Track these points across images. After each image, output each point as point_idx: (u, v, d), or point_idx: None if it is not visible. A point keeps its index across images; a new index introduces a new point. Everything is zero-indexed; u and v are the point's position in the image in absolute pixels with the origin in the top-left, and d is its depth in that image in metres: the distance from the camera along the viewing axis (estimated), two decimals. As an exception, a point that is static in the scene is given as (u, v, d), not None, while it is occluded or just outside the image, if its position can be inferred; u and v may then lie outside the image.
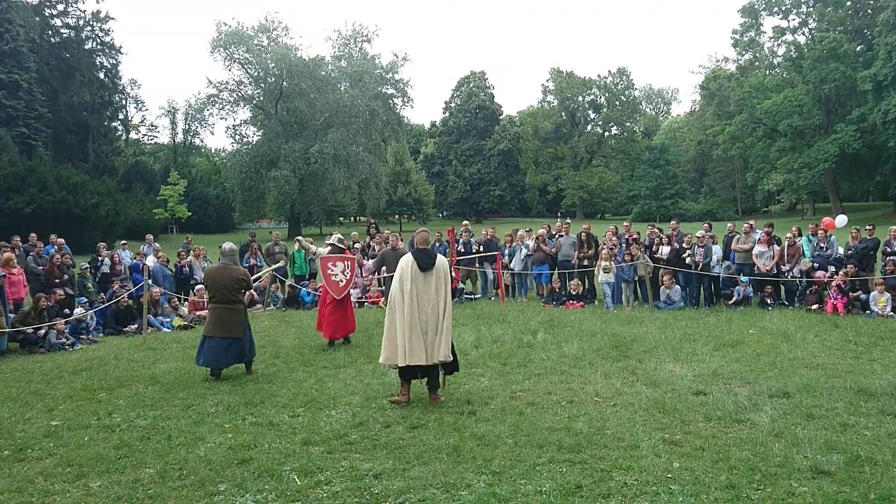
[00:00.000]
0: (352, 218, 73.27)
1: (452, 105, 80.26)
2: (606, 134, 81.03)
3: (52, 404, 7.19)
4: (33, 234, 14.69)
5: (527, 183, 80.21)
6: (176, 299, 13.78)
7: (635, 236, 14.67)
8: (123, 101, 60.51)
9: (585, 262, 14.70)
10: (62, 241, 14.63)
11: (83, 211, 34.23)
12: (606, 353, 9.10)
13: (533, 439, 5.60)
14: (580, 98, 79.07)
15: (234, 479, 4.93)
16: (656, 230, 15.14)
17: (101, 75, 53.02)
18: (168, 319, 13.04)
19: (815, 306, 12.42)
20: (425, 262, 6.89)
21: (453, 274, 7.85)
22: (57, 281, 12.65)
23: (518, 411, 6.43)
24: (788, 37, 55.41)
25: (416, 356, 6.66)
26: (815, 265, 12.98)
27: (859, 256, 12.82)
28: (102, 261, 14.45)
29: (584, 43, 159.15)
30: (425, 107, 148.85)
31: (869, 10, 50.89)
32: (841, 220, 15.98)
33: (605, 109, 78.50)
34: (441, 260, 7.04)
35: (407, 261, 6.91)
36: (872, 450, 5.16)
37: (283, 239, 17.49)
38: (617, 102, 77.60)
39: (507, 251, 15.52)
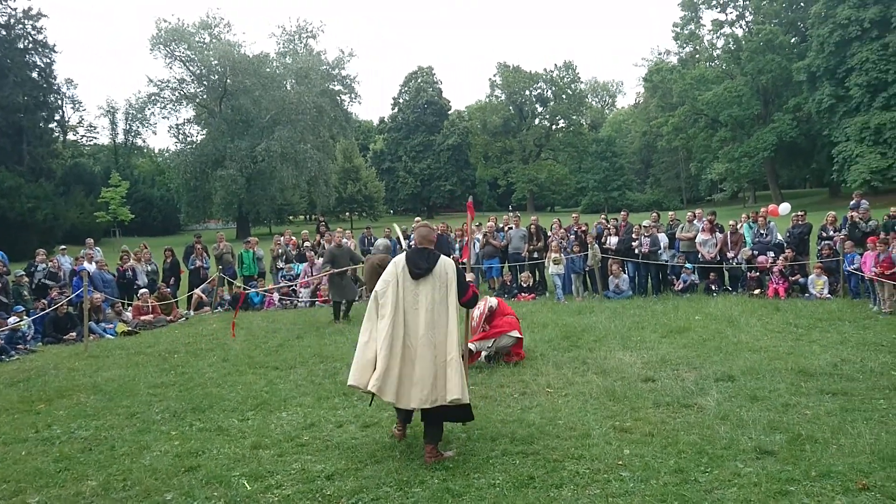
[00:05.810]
0: (302, 216, 72.33)
1: (401, 101, 79.77)
2: (554, 127, 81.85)
3: (-14, 418, 6.89)
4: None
5: (477, 177, 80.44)
6: (120, 304, 13.38)
7: (584, 228, 14.87)
8: (59, 102, 58.28)
9: (535, 255, 14.83)
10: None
11: (19, 216, 33.01)
12: (558, 343, 9.18)
13: (486, 432, 5.61)
14: (527, 92, 79.62)
15: (182, 487, 4.80)
16: (604, 221, 15.41)
17: (35, 75, 50.93)
18: (111, 325, 12.65)
19: (756, 291, 12.80)
20: (418, 266, 5.08)
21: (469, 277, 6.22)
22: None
23: (471, 405, 6.41)
24: (727, 29, 57.14)
25: (398, 395, 4.96)
26: (755, 252, 13.37)
27: (796, 242, 13.27)
28: (37, 267, 13.84)
29: (531, 37, 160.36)
30: (373, 103, 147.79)
31: (802, 3, 52.69)
32: (784, 207, 16.54)
33: (552, 103, 79.26)
34: (444, 263, 5.18)
35: (398, 263, 5.20)
36: (813, 428, 5.32)
37: (229, 240, 17.16)
38: (563, 96, 78.50)
39: (457, 246, 15.53)
